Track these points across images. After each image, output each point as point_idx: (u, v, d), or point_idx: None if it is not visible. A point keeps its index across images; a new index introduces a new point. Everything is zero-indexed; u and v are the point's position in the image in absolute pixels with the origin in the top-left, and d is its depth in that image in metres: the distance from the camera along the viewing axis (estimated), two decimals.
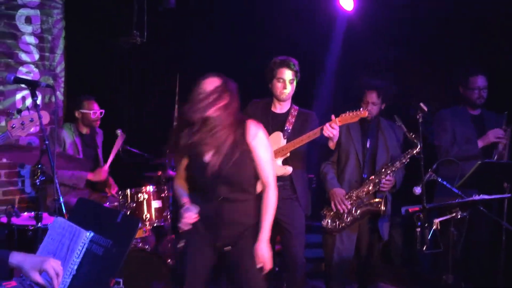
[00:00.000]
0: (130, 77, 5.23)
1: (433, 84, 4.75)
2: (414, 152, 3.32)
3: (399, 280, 4.55)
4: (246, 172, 2.62)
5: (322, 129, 3.17)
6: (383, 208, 3.43)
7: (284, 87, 3.35)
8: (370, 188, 3.50)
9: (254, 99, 3.57)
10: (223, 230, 2.62)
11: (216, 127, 2.51)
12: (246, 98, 3.65)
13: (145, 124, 5.37)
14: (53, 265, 1.69)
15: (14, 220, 3.35)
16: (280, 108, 3.48)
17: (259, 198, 2.68)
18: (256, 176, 2.67)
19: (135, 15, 4.56)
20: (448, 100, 4.11)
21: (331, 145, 3.32)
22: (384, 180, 3.47)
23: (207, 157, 2.58)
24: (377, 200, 3.48)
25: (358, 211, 3.50)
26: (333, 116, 3.19)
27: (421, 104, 2.94)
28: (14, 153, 3.20)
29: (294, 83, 3.37)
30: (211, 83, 2.59)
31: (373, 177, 3.50)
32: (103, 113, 4.21)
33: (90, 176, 4.02)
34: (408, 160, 3.41)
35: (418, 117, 2.97)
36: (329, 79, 5.43)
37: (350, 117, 3.21)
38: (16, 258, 1.72)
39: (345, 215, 3.51)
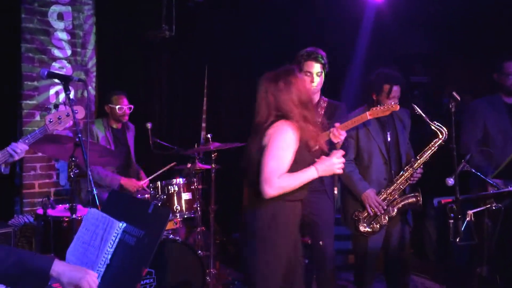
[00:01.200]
0: (159, 71, 5.30)
1: (466, 76, 4.64)
2: (441, 140, 3.25)
3: (432, 274, 4.49)
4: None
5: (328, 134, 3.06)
6: (421, 200, 3.36)
7: (312, 81, 3.30)
8: (403, 184, 3.40)
9: None
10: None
11: None
12: None
13: (175, 117, 5.43)
14: (89, 282, 1.71)
15: (50, 211, 3.45)
16: None
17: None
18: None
19: (164, 9, 4.60)
20: (482, 93, 4.00)
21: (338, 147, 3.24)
22: (415, 173, 3.40)
23: None
24: (416, 194, 3.38)
25: (395, 209, 3.40)
26: (337, 124, 3.08)
27: (454, 93, 2.87)
28: (48, 147, 3.29)
29: (322, 75, 3.32)
30: None
31: (405, 172, 3.39)
32: (132, 108, 4.24)
33: (123, 182, 4.07)
34: (436, 148, 3.32)
35: (450, 106, 2.90)
36: (358, 70, 5.36)
37: (382, 110, 3.14)
38: (57, 269, 1.73)
39: (382, 216, 3.40)
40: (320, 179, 3.37)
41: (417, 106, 3.33)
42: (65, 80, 2.55)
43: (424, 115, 3.19)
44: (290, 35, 5.19)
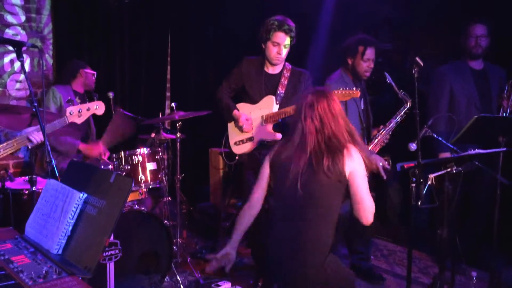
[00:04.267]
0: (120, 37, 5.12)
1: (430, 42, 4.67)
2: (406, 109, 3.32)
3: (395, 236, 4.62)
4: None
5: None
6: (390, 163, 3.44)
7: (279, 52, 3.28)
8: (375, 149, 3.48)
9: (246, 56, 3.50)
10: None
11: None
12: (238, 56, 3.59)
13: (138, 86, 5.30)
14: None
15: (9, 184, 3.33)
16: (272, 68, 3.42)
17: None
18: None
19: None
20: (445, 58, 4.05)
21: None
22: (385, 140, 3.47)
23: None
24: (386, 158, 3.45)
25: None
26: None
27: (417, 59, 2.88)
28: (3, 118, 3.15)
29: (288, 47, 3.29)
30: None
31: (375, 139, 3.48)
32: (95, 75, 4.16)
33: (82, 147, 3.96)
34: (403, 117, 3.40)
35: (414, 71, 2.92)
36: (323, 38, 5.32)
37: (343, 95, 3.09)
38: None
39: None
40: None
41: (378, 73, 3.36)
42: (17, 46, 2.42)
43: (393, 84, 3.22)
44: (256, 1, 5.09)
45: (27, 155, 4.54)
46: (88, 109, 2.86)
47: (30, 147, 2.70)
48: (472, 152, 2.86)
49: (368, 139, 3.54)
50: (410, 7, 4.53)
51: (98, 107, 2.92)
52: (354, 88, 3.13)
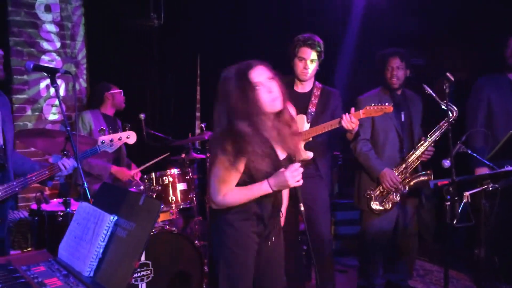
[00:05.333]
0: (150, 61, 5.24)
1: (459, 56, 4.59)
2: (451, 119, 3.25)
3: (430, 256, 4.49)
4: None
5: (340, 121, 3.07)
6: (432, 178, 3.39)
7: (305, 67, 3.28)
8: (415, 162, 3.44)
9: None
10: None
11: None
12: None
13: (168, 107, 5.38)
14: None
15: (44, 206, 3.42)
16: (302, 87, 3.42)
17: None
18: None
19: None
20: (478, 73, 3.96)
21: (349, 136, 3.28)
22: (426, 151, 3.43)
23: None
24: (428, 172, 3.42)
25: (407, 187, 3.45)
26: (352, 109, 3.08)
27: (448, 74, 2.83)
28: (40, 141, 3.24)
29: (317, 63, 3.29)
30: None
31: (416, 151, 3.44)
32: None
33: (114, 170, 4.05)
34: (446, 128, 3.31)
35: (444, 87, 2.87)
36: (349, 54, 5.31)
37: (375, 110, 3.09)
38: None
39: (394, 194, 3.44)
40: (315, 166, 3.36)
41: (414, 88, 3.32)
42: (52, 73, 2.51)
43: (434, 95, 3.16)
44: (282, 21, 5.13)
45: (62, 178, 4.65)
46: (119, 139, 2.89)
47: (62, 174, 2.74)
48: (509, 168, 2.77)
49: (409, 151, 3.48)
50: (435, 21, 4.49)
51: (130, 137, 2.94)
52: (386, 104, 3.10)
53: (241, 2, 5.27)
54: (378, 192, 3.47)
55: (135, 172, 4.11)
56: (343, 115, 3.06)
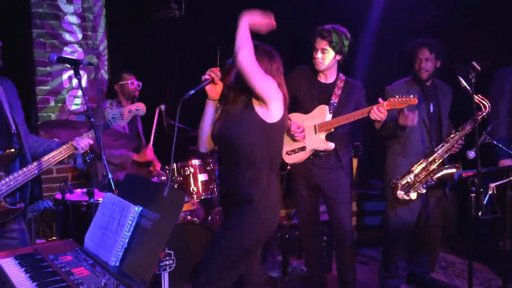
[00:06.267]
0: (170, 51, 5.24)
1: (481, 45, 4.50)
2: (484, 113, 3.21)
3: (454, 248, 4.45)
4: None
5: (369, 111, 3.10)
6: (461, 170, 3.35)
7: (315, 56, 3.29)
8: (443, 154, 3.40)
9: (298, 66, 3.50)
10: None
11: None
12: (289, 67, 3.59)
13: (188, 98, 5.39)
14: None
15: (68, 196, 3.47)
16: (325, 78, 3.39)
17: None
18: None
19: None
20: (498, 61, 3.88)
21: (377, 125, 3.28)
22: (456, 144, 3.38)
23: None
24: (457, 165, 3.38)
25: (434, 179, 3.41)
26: (380, 99, 3.11)
27: (474, 63, 2.77)
28: (63, 132, 3.28)
29: (329, 52, 3.26)
30: None
31: (445, 143, 3.39)
32: (140, 85, 4.26)
33: (136, 157, 4.09)
34: (478, 121, 3.26)
35: (470, 77, 2.81)
36: (370, 44, 5.24)
37: (399, 102, 3.09)
38: None
39: (420, 185, 3.41)
40: (337, 157, 3.35)
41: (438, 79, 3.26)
42: (75, 64, 2.53)
43: (468, 88, 3.11)
44: (303, 12, 5.07)
45: (85, 168, 4.72)
46: (129, 111, 2.90)
47: (79, 153, 2.75)
48: None
49: (438, 143, 3.43)
50: (456, 10, 4.39)
51: (139, 108, 2.95)
52: (411, 96, 3.07)
53: None
54: (404, 182, 3.43)
55: (154, 157, 4.16)
56: (373, 106, 3.07)
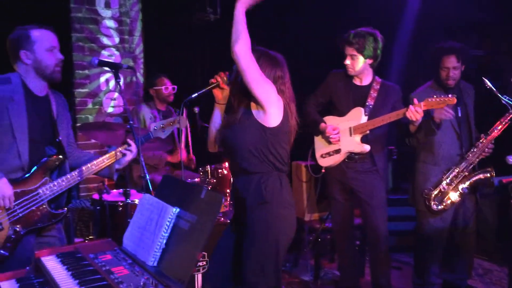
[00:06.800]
0: (204, 54, 5.30)
1: None
2: (511, 115, 3.13)
3: (490, 254, 4.33)
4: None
5: (405, 112, 3.05)
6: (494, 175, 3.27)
7: (345, 62, 3.29)
8: (474, 160, 3.32)
9: (333, 70, 3.49)
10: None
11: None
12: (321, 71, 3.58)
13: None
14: None
15: (105, 196, 3.56)
16: (360, 80, 3.37)
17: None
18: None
19: None
20: None
21: (412, 128, 3.20)
22: (487, 149, 3.30)
23: None
24: (489, 169, 3.30)
25: (467, 186, 3.33)
26: (415, 100, 3.05)
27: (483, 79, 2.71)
28: (100, 134, 3.37)
29: (358, 58, 3.25)
30: None
31: (475, 148, 3.31)
32: (175, 89, 4.34)
33: (169, 158, 4.17)
34: (507, 124, 3.19)
35: None
36: (405, 45, 5.16)
37: (437, 102, 3.03)
38: None
39: (453, 193, 3.33)
40: (372, 160, 3.32)
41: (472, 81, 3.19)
42: (116, 68, 2.60)
43: (494, 89, 3.04)
44: (334, 15, 5.05)
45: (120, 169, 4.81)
46: (171, 124, 2.97)
47: (122, 162, 2.83)
48: None
49: (468, 148, 3.35)
50: (498, 9, 4.28)
51: (180, 122, 3.02)
52: (450, 95, 3.01)
53: None
54: (437, 192, 3.35)
55: (187, 156, 4.23)
56: (410, 106, 3.02)
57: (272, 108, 2.34)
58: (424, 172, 3.42)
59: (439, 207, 3.34)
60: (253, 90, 2.31)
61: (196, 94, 2.52)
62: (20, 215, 2.45)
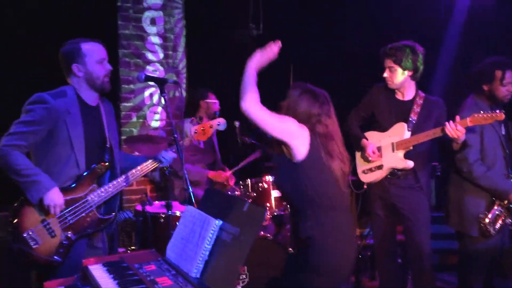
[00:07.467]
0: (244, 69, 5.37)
1: None
2: None
3: None
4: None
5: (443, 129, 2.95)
6: None
7: (384, 75, 3.28)
8: None
9: (376, 84, 3.46)
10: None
11: None
12: (366, 86, 3.56)
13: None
14: None
15: (148, 208, 3.63)
16: (402, 95, 3.34)
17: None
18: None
19: (251, 8, 4.66)
20: None
21: (455, 146, 3.08)
22: None
23: None
24: None
25: None
26: (457, 117, 2.95)
27: None
28: (144, 147, 3.46)
29: (397, 71, 3.21)
30: None
31: None
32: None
33: (211, 175, 4.21)
34: None
35: None
36: (449, 59, 5.07)
37: (484, 118, 2.91)
38: None
39: (506, 217, 3.18)
40: (416, 177, 3.25)
41: None
42: (161, 83, 2.69)
43: None
44: (378, 28, 5.02)
45: (162, 181, 4.91)
46: (210, 126, 3.02)
47: (164, 165, 2.89)
48: None
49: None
50: None
51: (220, 124, 3.06)
52: (497, 111, 2.92)
53: (335, 11, 5.24)
54: (491, 215, 3.14)
55: (230, 174, 4.25)
56: (446, 123, 2.94)
57: (294, 140, 2.38)
58: (476, 195, 3.20)
59: (494, 231, 3.15)
60: (271, 133, 2.39)
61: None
62: (71, 221, 2.54)
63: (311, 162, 2.38)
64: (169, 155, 2.84)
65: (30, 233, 2.47)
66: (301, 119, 2.43)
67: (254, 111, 2.37)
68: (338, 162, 2.42)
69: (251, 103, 2.38)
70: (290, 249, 3.79)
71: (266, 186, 3.79)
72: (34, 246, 2.47)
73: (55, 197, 2.46)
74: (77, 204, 2.56)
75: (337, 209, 2.40)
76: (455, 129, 2.91)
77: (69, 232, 2.54)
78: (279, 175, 2.51)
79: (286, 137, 2.38)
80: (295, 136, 2.38)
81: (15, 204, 2.52)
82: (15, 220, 2.48)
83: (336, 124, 2.49)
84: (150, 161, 2.82)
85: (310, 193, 2.36)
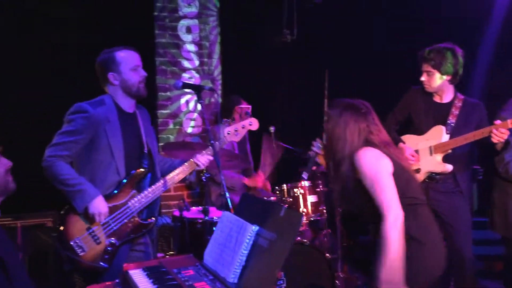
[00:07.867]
0: (281, 75, 5.38)
1: None
2: None
3: None
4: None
5: (490, 132, 2.90)
6: None
7: (420, 79, 3.22)
8: None
9: (413, 86, 3.41)
10: None
11: None
12: (403, 89, 3.51)
13: (297, 120, 5.47)
14: None
15: (185, 213, 3.68)
16: (440, 98, 3.27)
17: None
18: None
19: (284, 14, 4.67)
20: None
21: (499, 146, 3.03)
22: None
23: None
24: None
25: None
26: (498, 122, 2.90)
27: None
28: (181, 153, 3.52)
29: (434, 75, 3.16)
30: None
31: None
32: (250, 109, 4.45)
33: (246, 181, 4.23)
34: None
35: None
36: (486, 60, 4.93)
37: None
38: None
39: None
40: (455, 181, 3.17)
41: None
42: (198, 90, 2.72)
43: None
44: (414, 32, 4.94)
45: (198, 187, 4.97)
46: (243, 127, 3.01)
47: (200, 169, 2.91)
48: None
49: None
50: None
51: (252, 124, 3.04)
52: None
53: (370, 15, 5.18)
54: None
55: (265, 180, 4.26)
56: (493, 129, 2.88)
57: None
58: None
59: None
60: None
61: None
62: (114, 228, 2.61)
63: (395, 175, 2.33)
64: (204, 158, 2.87)
65: (77, 241, 2.55)
66: (353, 139, 2.37)
67: (392, 235, 2.30)
68: (405, 160, 2.43)
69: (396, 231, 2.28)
70: (328, 254, 3.77)
71: (302, 191, 3.78)
72: (80, 254, 2.55)
73: (100, 205, 2.53)
74: (119, 211, 2.63)
75: (424, 203, 2.42)
76: (498, 133, 2.87)
77: (113, 239, 2.60)
78: (358, 202, 2.47)
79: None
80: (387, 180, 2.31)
81: (61, 212, 2.61)
82: (62, 228, 2.57)
83: (383, 129, 2.46)
84: (186, 164, 2.86)
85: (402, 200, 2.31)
